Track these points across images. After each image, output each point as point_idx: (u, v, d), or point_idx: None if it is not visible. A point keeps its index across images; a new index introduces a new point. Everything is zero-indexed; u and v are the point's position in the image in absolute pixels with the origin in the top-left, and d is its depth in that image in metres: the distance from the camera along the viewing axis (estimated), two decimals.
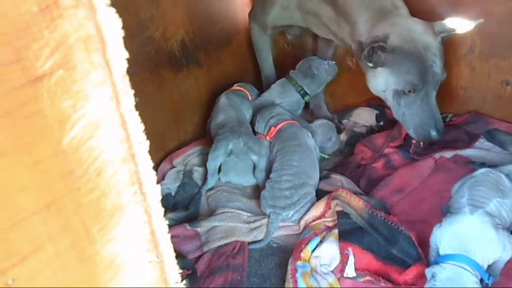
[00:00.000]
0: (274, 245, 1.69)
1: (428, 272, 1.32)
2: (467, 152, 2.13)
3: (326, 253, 1.57)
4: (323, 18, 1.96)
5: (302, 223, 1.71)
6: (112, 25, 0.46)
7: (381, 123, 2.42)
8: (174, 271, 0.60)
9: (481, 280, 1.31)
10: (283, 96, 2.28)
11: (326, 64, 2.29)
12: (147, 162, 0.53)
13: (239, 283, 1.51)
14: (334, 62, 2.32)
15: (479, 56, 2.14)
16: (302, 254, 1.56)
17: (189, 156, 2.11)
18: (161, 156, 2.11)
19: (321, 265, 1.55)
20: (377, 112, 2.45)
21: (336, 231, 1.62)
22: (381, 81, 1.82)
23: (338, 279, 1.49)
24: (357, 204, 1.63)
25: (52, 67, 0.43)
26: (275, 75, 2.51)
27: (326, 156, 2.14)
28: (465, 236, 1.34)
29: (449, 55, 2.20)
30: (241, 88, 2.34)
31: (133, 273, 0.56)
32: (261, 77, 2.54)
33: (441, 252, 1.37)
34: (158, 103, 2.04)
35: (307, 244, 1.60)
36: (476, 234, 1.34)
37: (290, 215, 1.72)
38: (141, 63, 1.89)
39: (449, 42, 2.17)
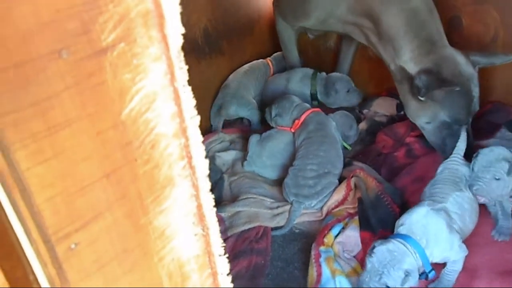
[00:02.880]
0: (297, 230, 1.71)
1: (373, 243, 1.34)
2: (489, 143, 2.12)
3: (349, 239, 1.58)
4: (365, 29, 1.91)
5: (325, 209, 1.73)
6: (170, 1, 0.47)
7: (402, 112, 2.41)
8: (218, 245, 0.62)
9: (423, 273, 1.33)
10: (298, 86, 2.30)
11: (350, 89, 2.29)
12: (197, 137, 0.54)
13: (263, 266, 1.53)
14: (358, 92, 2.32)
15: (502, 46, 2.12)
16: (325, 240, 1.58)
17: (211, 143, 2.13)
18: None
19: (344, 251, 1.56)
20: (398, 101, 2.45)
21: (357, 217, 1.63)
22: (429, 114, 1.78)
23: (361, 265, 1.51)
24: (370, 183, 1.67)
25: (114, 40, 0.44)
26: (300, 66, 2.51)
27: (349, 148, 2.13)
28: (416, 222, 1.36)
29: (472, 44, 2.19)
30: (267, 61, 2.48)
31: (181, 244, 0.57)
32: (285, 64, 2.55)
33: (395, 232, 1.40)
34: None
35: (330, 230, 1.62)
36: (427, 224, 1.35)
37: (312, 204, 1.74)
38: None
39: (472, 32, 2.16)
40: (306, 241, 1.63)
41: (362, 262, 1.51)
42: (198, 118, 0.54)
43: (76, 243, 0.46)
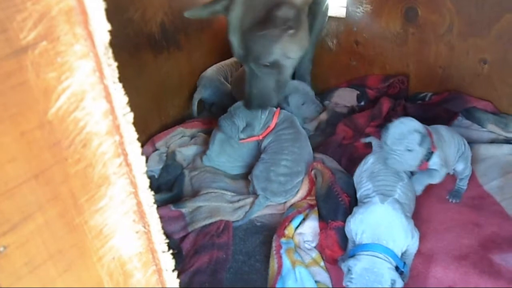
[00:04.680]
0: (258, 224, 1.71)
1: (344, 266, 1.33)
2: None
3: (309, 229, 1.60)
4: None
5: (288, 203, 1.74)
6: None
7: (362, 103, 2.45)
8: (160, 241, 0.62)
9: (397, 268, 1.35)
10: None
11: (306, 102, 2.20)
12: (132, 134, 0.54)
13: (224, 260, 1.53)
14: (316, 104, 2.26)
15: (458, 35, 2.17)
16: (286, 232, 1.60)
17: (172, 139, 2.13)
18: (143, 139, 2.11)
19: (304, 242, 1.58)
20: (358, 92, 2.48)
21: (317, 208, 1.65)
22: None
23: (321, 255, 1.53)
24: (326, 175, 1.70)
25: (35, 38, 0.43)
26: None
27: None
28: (378, 225, 1.37)
29: (428, 34, 2.24)
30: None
31: (121, 242, 0.57)
32: None
33: (357, 242, 1.40)
34: (138, 86, 2.04)
35: (290, 221, 1.63)
36: (388, 223, 1.37)
37: (278, 201, 1.75)
38: (120, 46, 1.89)
39: (428, 22, 2.21)
40: (267, 234, 1.64)
41: (322, 252, 1.53)
42: (132, 115, 0.53)
43: (5, 246, 0.45)
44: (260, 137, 1.87)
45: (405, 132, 1.47)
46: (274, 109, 1.91)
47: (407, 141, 1.45)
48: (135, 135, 0.54)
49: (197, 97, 2.35)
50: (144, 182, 0.57)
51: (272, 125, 1.85)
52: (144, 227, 0.60)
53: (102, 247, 0.55)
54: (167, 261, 0.63)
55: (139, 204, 0.58)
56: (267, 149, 1.82)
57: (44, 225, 0.48)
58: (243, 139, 1.88)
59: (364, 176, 1.58)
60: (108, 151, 0.52)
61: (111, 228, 0.55)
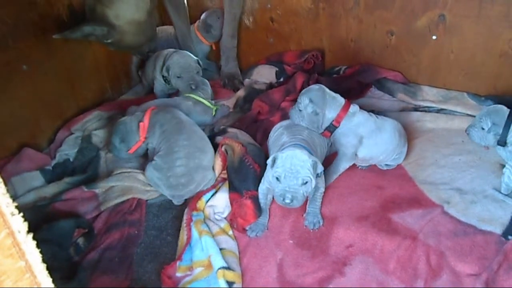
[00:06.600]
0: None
1: (269, 160, 1.47)
2: (359, 101, 2.26)
3: (220, 201, 1.65)
4: None
5: None
6: None
7: (281, 79, 2.50)
8: (7, 204, 0.63)
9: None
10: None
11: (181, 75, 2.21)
12: None
13: (136, 236, 1.56)
14: (189, 78, 2.21)
15: (364, 8, 2.25)
16: (197, 205, 1.63)
17: (88, 122, 2.11)
18: (58, 124, 2.08)
19: (215, 213, 1.62)
20: (277, 69, 2.53)
21: (227, 181, 1.70)
22: None
23: (230, 224, 1.58)
24: (236, 148, 1.74)
25: None
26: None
27: (214, 108, 2.20)
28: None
29: (337, 9, 2.31)
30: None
31: None
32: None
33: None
34: (49, 70, 2.00)
35: (202, 196, 1.67)
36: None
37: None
38: (25, 29, 1.85)
39: None
40: (180, 209, 1.67)
41: (231, 223, 1.58)
42: None
43: None
44: (143, 139, 1.81)
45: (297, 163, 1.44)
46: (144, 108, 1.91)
47: (301, 175, 1.42)
48: None
49: None
50: None
51: (145, 121, 1.80)
52: None
53: None
54: (18, 223, 0.65)
55: None
56: (160, 148, 1.73)
57: None
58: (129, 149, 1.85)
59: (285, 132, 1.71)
60: None
61: None
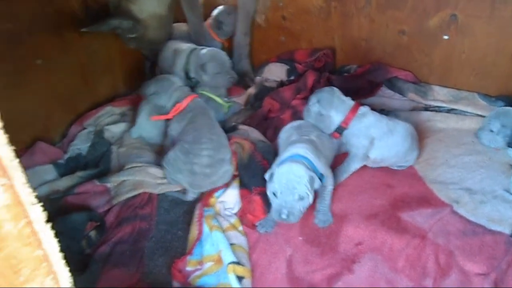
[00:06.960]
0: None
1: (267, 175, 1.49)
2: (369, 100, 2.27)
3: (230, 197, 1.66)
4: None
5: None
6: None
7: (292, 77, 2.51)
8: (27, 194, 0.65)
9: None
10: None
11: (221, 71, 2.17)
12: None
13: (147, 230, 1.57)
14: (230, 75, 2.21)
15: (376, 8, 2.26)
16: (209, 201, 1.65)
17: (100, 118, 2.13)
18: (72, 118, 2.11)
19: (225, 209, 1.64)
20: (288, 67, 2.54)
21: (238, 178, 1.72)
22: None
23: (240, 220, 1.59)
24: (245, 145, 1.76)
25: None
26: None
27: (226, 105, 2.22)
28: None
29: (349, 7, 2.31)
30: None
31: None
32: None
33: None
34: (64, 66, 2.03)
35: (214, 193, 1.69)
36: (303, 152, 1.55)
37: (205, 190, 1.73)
38: (40, 25, 1.87)
39: None
40: (192, 204, 1.68)
41: (242, 219, 1.60)
42: None
43: None
44: (170, 116, 1.83)
45: (293, 178, 1.44)
46: (188, 91, 1.91)
47: (297, 190, 1.42)
48: None
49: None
50: (2, 138, 0.60)
51: (183, 105, 1.82)
52: (9, 181, 0.63)
53: None
54: (37, 213, 0.67)
55: None
56: (184, 136, 1.74)
57: None
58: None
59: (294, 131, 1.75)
60: None
61: None
